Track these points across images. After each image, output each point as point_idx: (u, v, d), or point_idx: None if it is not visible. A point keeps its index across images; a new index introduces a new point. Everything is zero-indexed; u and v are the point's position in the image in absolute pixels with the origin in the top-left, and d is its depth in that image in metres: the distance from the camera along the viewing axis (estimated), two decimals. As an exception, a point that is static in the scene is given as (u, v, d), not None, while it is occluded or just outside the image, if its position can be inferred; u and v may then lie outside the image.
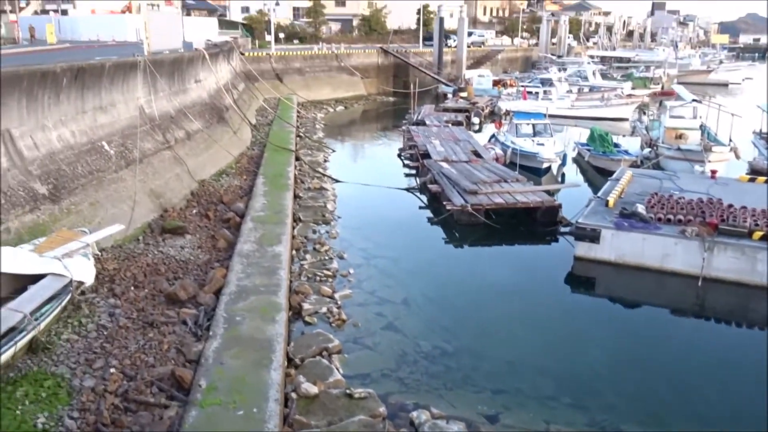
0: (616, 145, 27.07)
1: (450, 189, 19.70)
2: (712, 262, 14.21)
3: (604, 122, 36.42)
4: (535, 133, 26.58)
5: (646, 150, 26.74)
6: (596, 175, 25.61)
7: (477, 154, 25.34)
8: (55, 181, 13.26)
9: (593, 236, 15.43)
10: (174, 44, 23.10)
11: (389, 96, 53.32)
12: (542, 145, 25.00)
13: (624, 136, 32.06)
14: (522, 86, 45.17)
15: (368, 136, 37.74)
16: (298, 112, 36.89)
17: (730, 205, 15.88)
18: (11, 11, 63.70)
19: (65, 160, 13.96)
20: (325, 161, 26.85)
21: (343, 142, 33.72)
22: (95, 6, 79.62)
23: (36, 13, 78.24)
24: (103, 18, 61.00)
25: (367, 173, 25.38)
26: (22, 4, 71.89)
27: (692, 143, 24.67)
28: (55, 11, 76.40)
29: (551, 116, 30.47)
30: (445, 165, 22.63)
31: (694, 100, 26.62)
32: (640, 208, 15.95)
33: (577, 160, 28.21)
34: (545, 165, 24.43)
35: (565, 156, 25.47)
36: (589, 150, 27.19)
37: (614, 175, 20.61)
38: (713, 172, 20.95)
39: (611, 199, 17.08)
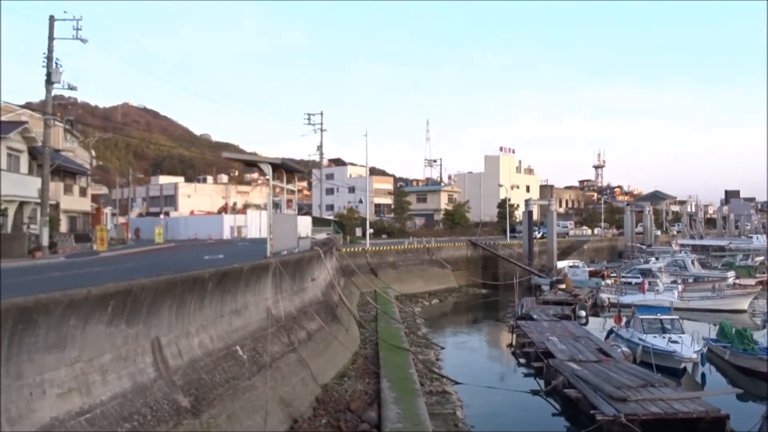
0: (755, 342, 24.68)
1: (593, 395, 17.80)
2: None
3: (720, 314, 34.10)
4: (664, 329, 24.75)
5: (794, 349, 24.14)
6: (740, 376, 23.07)
7: (604, 353, 23.48)
8: (196, 391, 12.51)
9: (791, 459, 13.16)
10: (290, 244, 23.47)
11: (479, 288, 52.69)
12: (677, 342, 23.03)
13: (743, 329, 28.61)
14: (625, 277, 43.70)
15: (469, 330, 36.54)
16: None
17: None
18: (121, 214, 69.37)
19: (204, 367, 13.33)
20: (437, 359, 25.50)
21: (447, 337, 32.46)
22: (195, 206, 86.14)
23: (141, 215, 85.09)
24: (201, 218, 65.29)
25: (483, 372, 23.97)
26: (134, 207, 78.36)
27: None
28: (160, 213, 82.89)
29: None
30: (576, 366, 20.86)
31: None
32: (838, 424, 13.72)
33: (711, 359, 25.68)
34: (683, 365, 22.34)
35: (703, 355, 23.26)
36: (725, 347, 24.83)
37: (777, 380, 18.35)
38: None
39: (795, 411, 14.87)
